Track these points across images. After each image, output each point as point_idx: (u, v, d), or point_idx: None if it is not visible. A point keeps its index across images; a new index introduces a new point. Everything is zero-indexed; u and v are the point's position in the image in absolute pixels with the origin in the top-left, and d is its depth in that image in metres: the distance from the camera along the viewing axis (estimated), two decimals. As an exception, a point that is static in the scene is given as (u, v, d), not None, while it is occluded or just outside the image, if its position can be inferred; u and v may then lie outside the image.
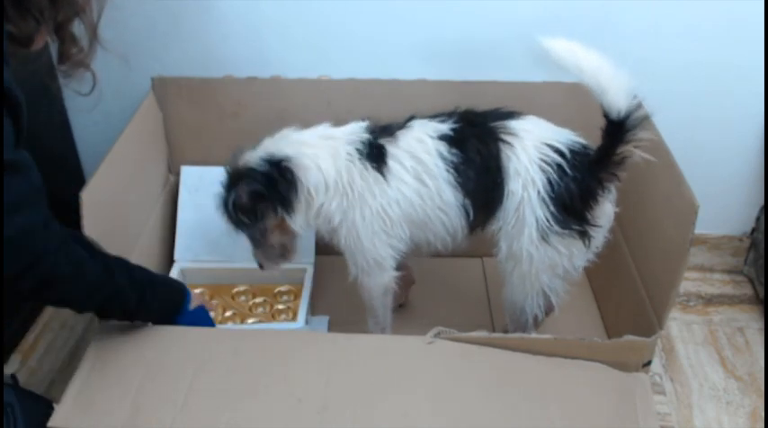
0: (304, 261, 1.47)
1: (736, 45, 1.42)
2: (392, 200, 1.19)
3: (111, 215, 1.26)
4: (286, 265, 1.32)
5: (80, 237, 1.08)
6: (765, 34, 1.40)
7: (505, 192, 1.17)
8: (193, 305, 1.16)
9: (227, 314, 1.47)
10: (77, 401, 1.03)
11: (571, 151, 1.16)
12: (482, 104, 1.46)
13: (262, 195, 1.19)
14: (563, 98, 1.46)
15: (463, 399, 1.05)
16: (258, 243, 1.26)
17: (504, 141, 1.17)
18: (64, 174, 1.64)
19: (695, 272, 1.70)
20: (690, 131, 1.48)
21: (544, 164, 1.15)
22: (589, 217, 1.16)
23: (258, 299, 1.50)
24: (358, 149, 1.19)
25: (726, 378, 1.42)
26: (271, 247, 1.27)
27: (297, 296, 1.49)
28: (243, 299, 1.51)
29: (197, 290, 1.47)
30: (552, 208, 1.15)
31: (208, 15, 1.44)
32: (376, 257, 1.23)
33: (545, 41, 1.06)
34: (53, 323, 1.51)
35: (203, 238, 1.51)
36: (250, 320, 1.45)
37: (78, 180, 1.66)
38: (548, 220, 1.15)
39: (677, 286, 1.13)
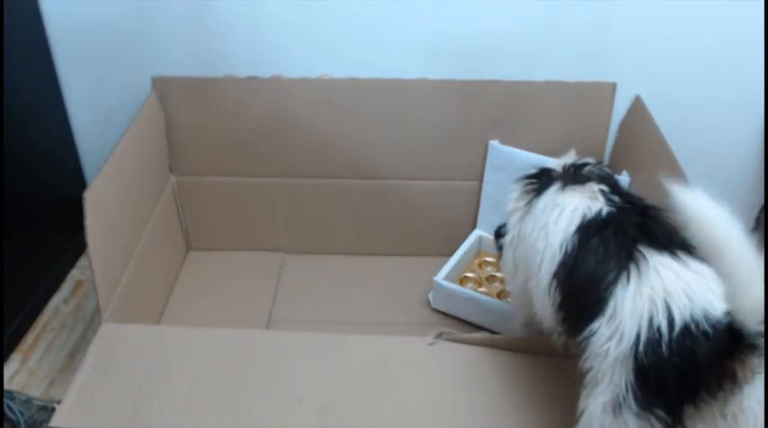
0: None
1: (736, 46, 1.42)
2: None
3: (114, 215, 1.25)
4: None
5: None
6: (765, 35, 1.40)
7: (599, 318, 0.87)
8: None
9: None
10: (79, 401, 1.03)
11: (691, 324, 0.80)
12: (483, 104, 1.47)
13: None
14: (564, 98, 1.46)
15: (464, 400, 1.05)
16: None
17: (635, 259, 0.87)
18: (64, 174, 1.63)
19: (695, 272, 1.70)
20: (690, 131, 1.48)
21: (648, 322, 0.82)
22: (685, 410, 0.79)
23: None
24: None
25: (726, 379, 1.42)
26: None
27: None
28: (489, 269, 1.57)
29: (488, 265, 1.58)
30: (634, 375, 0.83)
31: (208, 14, 1.44)
32: None
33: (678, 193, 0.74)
34: (53, 323, 1.51)
35: (502, 215, 1.54)
36: (480, 289, 1.50)
37: (79, 180, 1.66)
38: (626, 388, 0.83)
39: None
